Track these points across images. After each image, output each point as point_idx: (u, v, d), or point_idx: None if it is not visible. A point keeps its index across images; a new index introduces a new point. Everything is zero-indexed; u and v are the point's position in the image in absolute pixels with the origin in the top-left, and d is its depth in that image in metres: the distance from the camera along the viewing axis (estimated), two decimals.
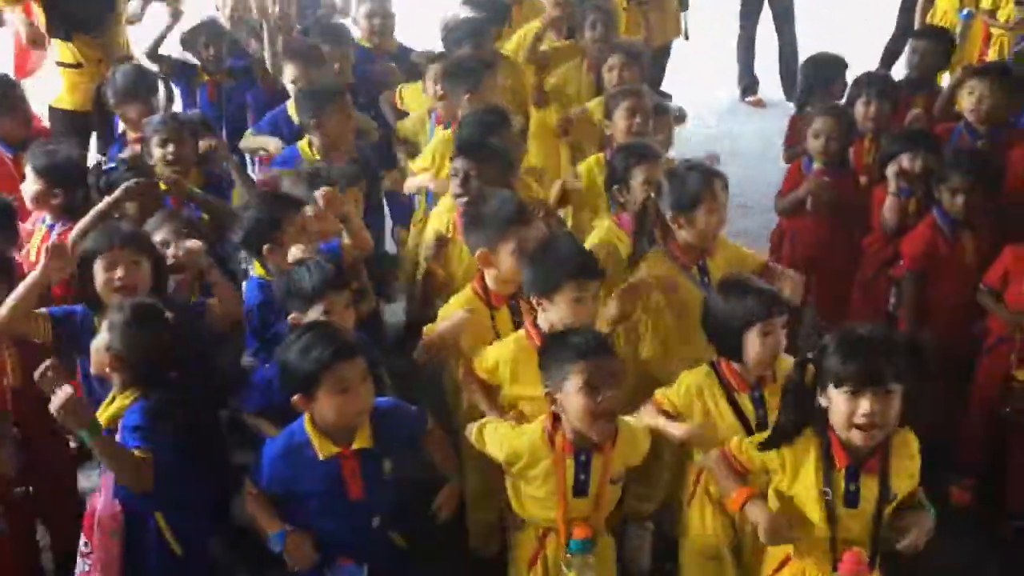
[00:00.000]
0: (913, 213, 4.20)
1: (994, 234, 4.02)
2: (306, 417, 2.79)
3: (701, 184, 3.44)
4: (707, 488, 3.12)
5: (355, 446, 2.77)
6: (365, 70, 5.40)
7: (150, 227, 3.53)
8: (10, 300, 3.09)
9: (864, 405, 2.53)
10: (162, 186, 3.96)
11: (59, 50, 5.39)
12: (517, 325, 3.33)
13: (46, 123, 5.10)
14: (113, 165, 3.96)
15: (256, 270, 3.61)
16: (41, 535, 3.63)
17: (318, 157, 4.31)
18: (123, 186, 3.66)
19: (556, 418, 2.85)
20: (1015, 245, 3.84)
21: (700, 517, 3.16)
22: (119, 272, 3.17)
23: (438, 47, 5.41)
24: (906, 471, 2.67)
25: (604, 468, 2.85)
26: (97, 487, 3.02)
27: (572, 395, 2.75)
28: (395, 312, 5.18)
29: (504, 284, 3.36)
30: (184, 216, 3.73)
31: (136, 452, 2.77)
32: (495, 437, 2.95)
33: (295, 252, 3.28)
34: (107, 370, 2.90)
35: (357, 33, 5.66)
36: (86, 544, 2.96)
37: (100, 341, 2.89)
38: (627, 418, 2.95)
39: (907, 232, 4.14)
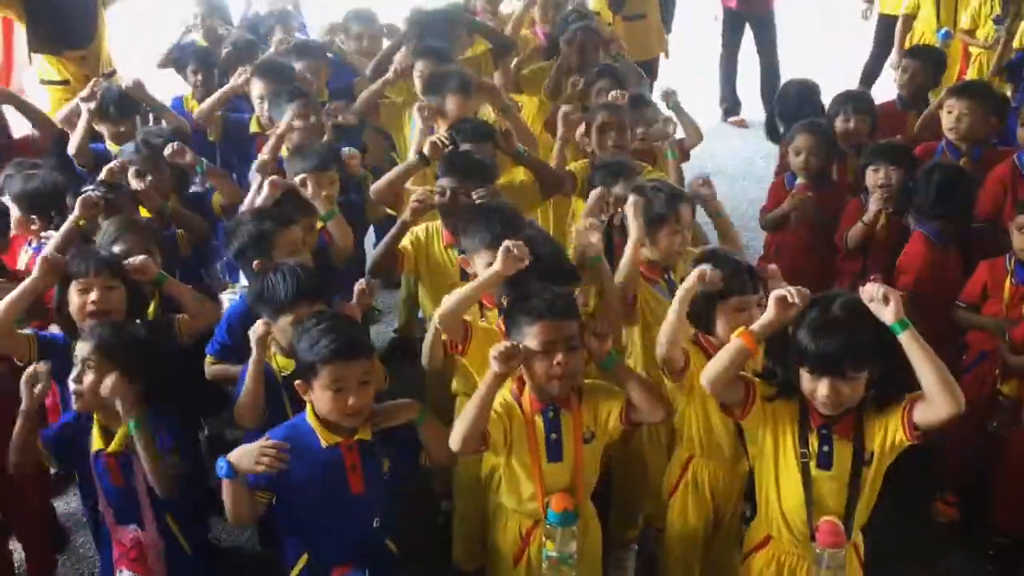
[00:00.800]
0: (882, 226, 4.22)
1: (968, 252, 4.05)
2: (308, 408, 2.79)
3: (665, 206, 3.46)
4: (692, 480, 3.17)
5: (357, 437, 2.76)
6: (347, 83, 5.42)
7: (108, 235, 3.49)
8: None
9: (822, 388, 2.57)
10: (144, 213, 3.96)
11: (44, 68, 5.36)
12: None
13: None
14: (92, 187, 3.91)
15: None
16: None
17: None
18: (79, 199, 3.62)
19: (521, 380, 2.85)
20: (990, 260, 3.85)
21: (682, 507, 3.20)
22: (93, 296, 3.14)
23: None
24: (887, 428, 2.63)
25: (575, 426, 2.84)
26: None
27: (530, 356, 2.75)
28: (380, 332, 5.18)
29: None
30: (145, 225, 3.68)
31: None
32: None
33: None
34: (116, 399, 2.84)
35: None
36: None
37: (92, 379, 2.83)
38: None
39: (868, 247, 4.20)
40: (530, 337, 2.75)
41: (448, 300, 2.98)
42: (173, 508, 2.98)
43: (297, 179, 3.82)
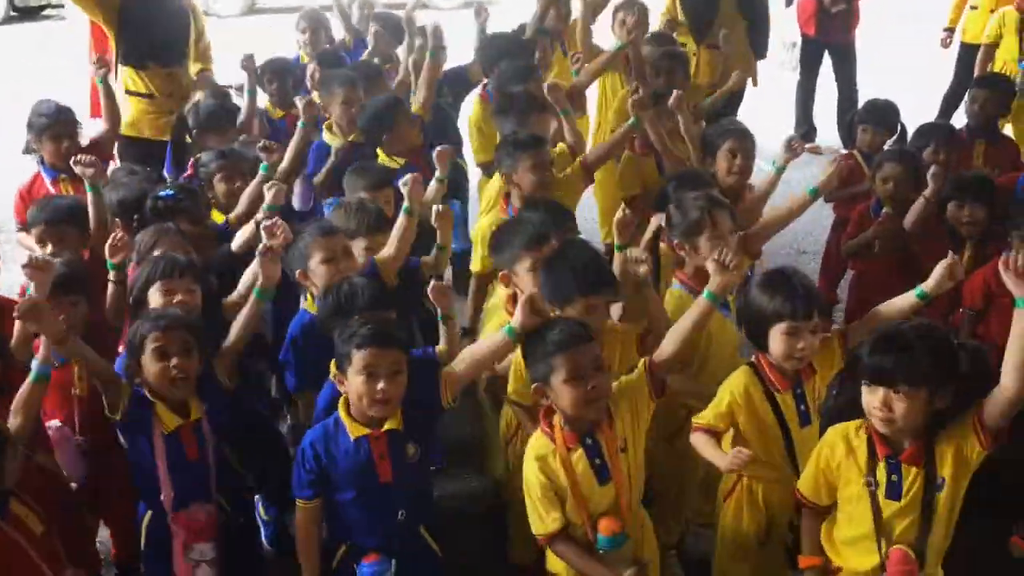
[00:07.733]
0: (969, 257, 4.19)
1: None
2: (340, 402, 2.89)
3: (702, 212, 3.50)
4: (747, 488, 3.14)
5: (385, 427, 2.85)
6: None
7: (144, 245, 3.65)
8: None
9: (875, 400, 2.59)
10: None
11: (128, 79, 5.45)
12: None
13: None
14: (170, 192, 4.03)
15: (306, 302, 3.61)
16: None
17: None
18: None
19: (547, 415, 2.87)
20: None
21: (736, 511, 3.18)
22: (178, 298, 3.31)
23: None
24: (957, 444, 2.63)
25: (609, 443, 2.84)
26: None
27: (560, 387, 2.77)
28: None
29: None
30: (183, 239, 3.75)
31: None
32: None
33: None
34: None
35: None
36: None
37: None
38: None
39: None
40: (558, 369, 2.77)
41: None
42: (229, 479, 3.16)
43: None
